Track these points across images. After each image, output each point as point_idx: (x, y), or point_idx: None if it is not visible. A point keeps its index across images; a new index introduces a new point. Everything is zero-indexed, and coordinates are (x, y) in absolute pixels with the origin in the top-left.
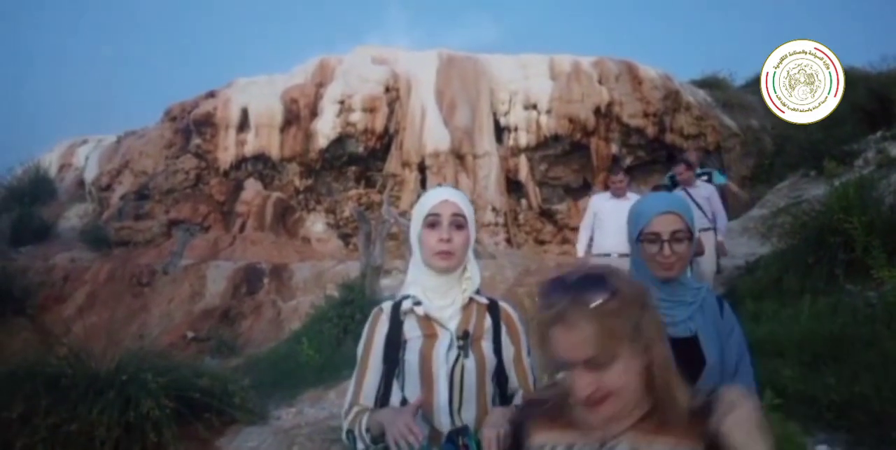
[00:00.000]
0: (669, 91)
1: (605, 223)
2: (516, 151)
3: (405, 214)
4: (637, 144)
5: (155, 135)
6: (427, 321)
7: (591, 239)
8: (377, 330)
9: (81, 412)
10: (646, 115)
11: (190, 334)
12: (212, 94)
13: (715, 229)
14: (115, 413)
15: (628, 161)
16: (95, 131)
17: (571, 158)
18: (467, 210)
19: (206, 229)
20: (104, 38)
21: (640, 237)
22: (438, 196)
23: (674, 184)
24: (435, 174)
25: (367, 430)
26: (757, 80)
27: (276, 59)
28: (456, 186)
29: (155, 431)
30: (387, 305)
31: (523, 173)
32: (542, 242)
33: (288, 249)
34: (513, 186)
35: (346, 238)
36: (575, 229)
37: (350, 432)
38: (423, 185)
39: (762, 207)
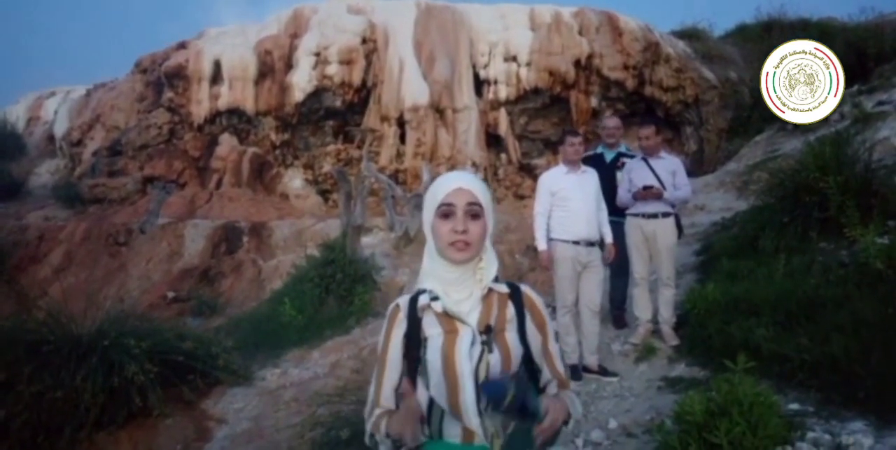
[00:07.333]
0: (649, 43)
1: (571, 203)
2: (496, 105)
3: (384, 169)
4: (616, 96)
5: (126, 88)
6: (446, 317)
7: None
8: (395, 329)
9: (65, 379)
10: (626, 67)
11: (170, 295)
12: (182, 46)
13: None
14: (99, 379)
15: (607, 114)
16: (62, 83)
17: (551, 112)
18: (483, 197)
19: (181, 186)
20: None
21: None
22: (451, 183)
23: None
24: (414, 129)
25: (388, 435)
26: (736, 31)
27: (246, 6)
28: (435, 140)
29: (140, 395)
30: (403, 301)
31: (503, 127)
32: (521, 197)
33: (266, 206)
34: (492, 140)
35: (325, 194)
36: None
37: (372, 436)
38: (402, 140)
39: (738, 160)
